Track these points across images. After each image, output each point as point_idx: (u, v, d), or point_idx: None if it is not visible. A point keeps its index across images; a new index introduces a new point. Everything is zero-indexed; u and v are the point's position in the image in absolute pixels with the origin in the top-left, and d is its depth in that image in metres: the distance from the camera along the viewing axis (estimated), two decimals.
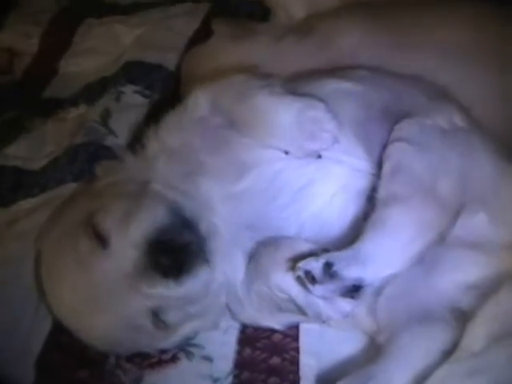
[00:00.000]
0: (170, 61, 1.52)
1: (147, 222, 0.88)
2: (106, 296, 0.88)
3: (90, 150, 1.26)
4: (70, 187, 1.20)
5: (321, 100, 0.96)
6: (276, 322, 0.99)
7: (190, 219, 0.90)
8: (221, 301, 0.98)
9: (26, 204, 1.22)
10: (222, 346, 1.00)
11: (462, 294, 0.93)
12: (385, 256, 0.84)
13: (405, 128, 0.96)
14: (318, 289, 0.83)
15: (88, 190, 1.03)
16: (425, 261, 0.93)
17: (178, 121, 1.02)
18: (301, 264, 0.84)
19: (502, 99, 1.18)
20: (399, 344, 0.90)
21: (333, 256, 0.84)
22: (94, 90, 1.47)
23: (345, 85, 1.04)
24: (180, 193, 0.93)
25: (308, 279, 0.83)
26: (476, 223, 0.93)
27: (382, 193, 0.90)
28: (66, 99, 1.51)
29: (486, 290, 0.91)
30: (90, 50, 1.68)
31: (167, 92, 1.45)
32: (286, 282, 0.89)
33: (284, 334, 1.01)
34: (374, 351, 0.94)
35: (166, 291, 0.87)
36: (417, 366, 0.87)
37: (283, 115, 0.95)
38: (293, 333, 1.01)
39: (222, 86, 1.01)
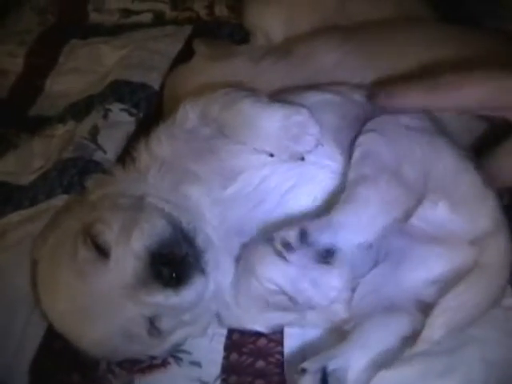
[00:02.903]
0: (154, 80, 1.56)
1: (149, 233, 0.92)
2: (103, 305, 0.92)
3: (79, 164, 1.30)
4: (61, 199, 1.23)
5: (304, 107, 1.02)
6: (262, 324, 1.03)
7: (187, 232, 0.95)
8: (211, 308, 1.02)
9: (15, 217, 1.25)
10: (210, 352, 1.05)
11: (425, 288, 1.01)
12: (354, 225, 0.90)
13: (376, 121, 1.04)
14: (294, 256, 0.89)
15: (82, 202, 1.06)
16: (392, 258, 1.01)
17: (168, 133, 1.07)
18: (277, 233, 0.90)
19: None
20: (360, 329, 0.97)
21: (307, 224, 0.90)
22: (81, 108, 1.51)
23: (325, 96, 1.11)
24: (175, 205, 0.98)
25: (285, 247, 0.89)
26: (438, 215, 0.99)
27: (351, 175, 0.97)
28: (52, 116, 1.54)
29: (448, 283, 1.00)
30: (74, 70, 1.72)
31: (152, 110, 1.50)
32: (273, 272, 0.93)
33: (269, 339, 1.06)
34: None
35: (164, 300, 0.91)
36: (374, 350, 0.94)
37: (269, 119, 1.01)
38: (277, 337, 1.06)
39: (210, 98, 1.07)
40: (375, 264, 0.94)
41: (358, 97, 1.13)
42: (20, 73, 1.75)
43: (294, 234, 0.89)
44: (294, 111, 1.02)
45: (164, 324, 0.95)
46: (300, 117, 1.01)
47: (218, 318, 1.05)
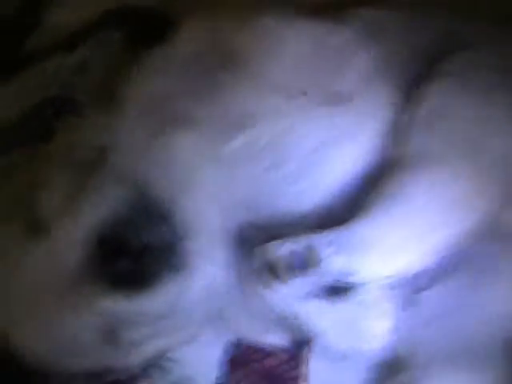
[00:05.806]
0: None
1: (96, 209, 0.66)
2: (41, 301, 0.67)
3: (57, 104, 1.02)
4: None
5: (349, 25, 0.74)
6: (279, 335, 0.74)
7: (160, 206, 0.68)
8: (202, 309, 0.73)
9: None
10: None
11: None
12: (389, 243, 0.59)
13: (450, 62, 0.72)
14: (292, 283, 0.60)
15: (36, 155, 0.80)
16: (472, 267, 0.68)
17: (160, 59, 0.78)
18: (276, 248, 0.60)
19: None
20: None
21: (316, 239, 0.59)
22: (78, 36, 1.23)
23: (389, 12, 0.79)
24: (150, 165, 0.70)
25: (284, 269, 0.60)
26: None
27: (404, 149, 0.65)
28: (46, 49, 1.26)
29: None
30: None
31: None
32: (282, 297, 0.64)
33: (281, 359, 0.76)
34: None
35: (112, 306, 0.66)
36: None
37: (299, 42, 0.74)
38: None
39: (224, 13, 0.79)
40: (440, 274, 0.62)
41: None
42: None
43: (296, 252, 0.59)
44: (333, 30, 0.73)
45: (130, 334, 0.68)
46: (340, 37, 0.72)
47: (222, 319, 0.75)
